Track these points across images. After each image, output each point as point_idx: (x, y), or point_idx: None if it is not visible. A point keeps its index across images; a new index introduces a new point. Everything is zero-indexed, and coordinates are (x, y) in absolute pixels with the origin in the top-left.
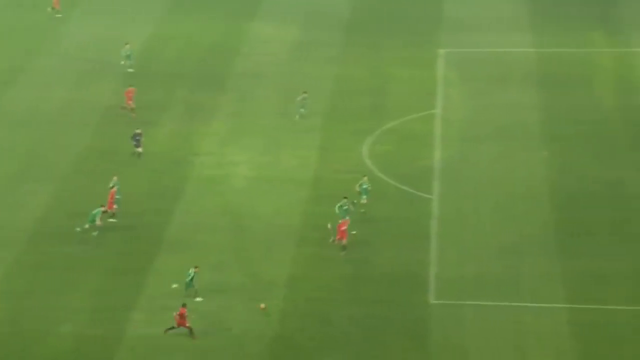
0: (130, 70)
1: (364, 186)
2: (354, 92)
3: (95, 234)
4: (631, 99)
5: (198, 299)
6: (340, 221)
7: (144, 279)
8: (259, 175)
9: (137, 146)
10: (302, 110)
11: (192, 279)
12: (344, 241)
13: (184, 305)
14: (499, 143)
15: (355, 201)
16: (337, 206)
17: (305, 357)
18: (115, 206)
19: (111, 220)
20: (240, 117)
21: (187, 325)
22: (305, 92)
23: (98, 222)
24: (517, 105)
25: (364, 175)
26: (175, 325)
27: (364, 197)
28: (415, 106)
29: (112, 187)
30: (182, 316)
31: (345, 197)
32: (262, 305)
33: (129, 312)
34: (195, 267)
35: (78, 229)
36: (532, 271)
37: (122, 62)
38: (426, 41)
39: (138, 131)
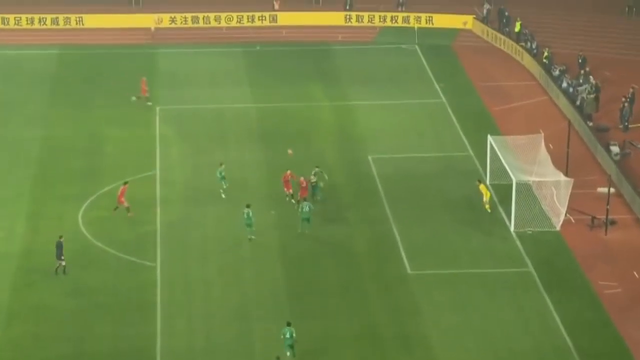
0: None
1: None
2: (64, 154)
3: None
4: (352, 152)
5: None
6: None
7: None
8: None
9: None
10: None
11: None
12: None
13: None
14: (222, 203)
15: None
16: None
17: None
18: None
19: None
20: None
21: None
22: None
23: None
24: (239, 162)
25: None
26: None
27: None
28: (133, 168)
29: None
30: None
31: (317, 166)
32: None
33: None
34: None
35: None
36: (263, 336)
37: None
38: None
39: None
